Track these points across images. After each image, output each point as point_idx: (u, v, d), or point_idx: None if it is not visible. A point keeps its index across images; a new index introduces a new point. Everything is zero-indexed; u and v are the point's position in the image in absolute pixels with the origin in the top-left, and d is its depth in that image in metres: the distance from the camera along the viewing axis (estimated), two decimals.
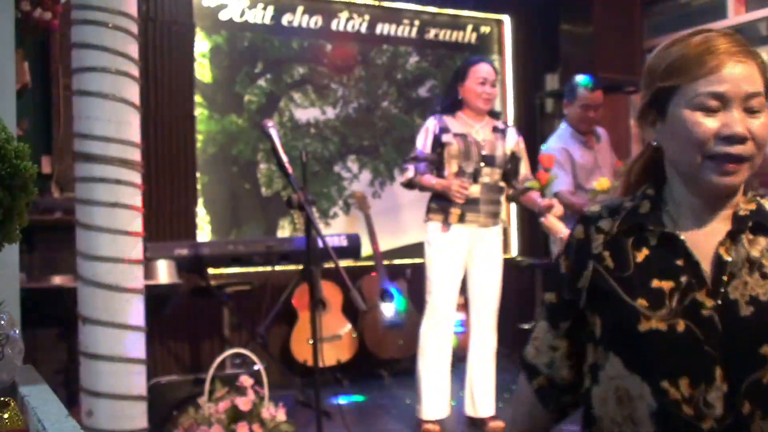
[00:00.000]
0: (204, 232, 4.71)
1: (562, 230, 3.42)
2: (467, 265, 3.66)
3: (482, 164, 3.60)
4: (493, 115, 3.76)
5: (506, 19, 5.76)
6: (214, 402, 2.77)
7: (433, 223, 3.63)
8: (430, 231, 3.63)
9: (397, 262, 5.15)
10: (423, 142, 3.63)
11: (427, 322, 3.61)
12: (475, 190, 3.57)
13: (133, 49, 2.49)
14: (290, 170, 2.82)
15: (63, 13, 3.56)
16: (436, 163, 3.62)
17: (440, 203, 3.61)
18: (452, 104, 3.69)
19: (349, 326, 4.64)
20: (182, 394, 2.97)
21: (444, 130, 3.61)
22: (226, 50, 4.84)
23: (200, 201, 4.67)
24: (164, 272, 3.32)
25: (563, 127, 4.26)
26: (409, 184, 3.69)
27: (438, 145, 3.61)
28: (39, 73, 3.96)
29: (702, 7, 5.70)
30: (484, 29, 5.74)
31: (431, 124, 3.65)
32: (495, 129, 3.70)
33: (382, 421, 3.75)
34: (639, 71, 6.02)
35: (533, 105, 5.74)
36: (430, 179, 3.59)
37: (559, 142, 4.18)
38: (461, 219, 3.59)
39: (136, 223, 2.48)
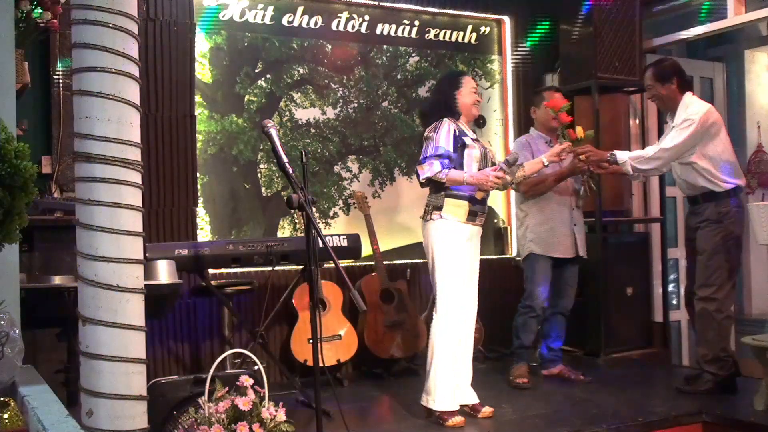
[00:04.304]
0: (204, 232, 4.71)
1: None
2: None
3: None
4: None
5: (506, 19, 5.76)
6: (214, 402, 2.76)
7: (444, 221, 3.60)
8: (444, 228, 3.59)
9: (397, 262, 5.15)
10: (446, 141, 3.59)
11: (442, 320, 3.60)
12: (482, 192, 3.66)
13: (133, 49, 2.49)
14: (290, 170, 2.82)
15: (63, 13, 3.56)
16: (456, 163, 3.62)
17: (456, 200, 3.61)
18: (450, 111, 3.72)
19: (349, 326, 4.64)
20: (182, 394, 2.96)
21: (462, 133, 3.67)
22: (226, 50, 4.84)
23: (200, 201, 4.67)
24: (164, 272, 3.31)
25: (531, 131, 4.70)
26: (431, 180, 3.61)
27: (459, 145, 3.63)
28: (39, 73, 3.96)
29: (702, 7, 5.69)
30: (484, 29, 5.74)
31: (450, 126, 3.64)
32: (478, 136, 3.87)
33: (382, 420, 3.75)
34: (639, 71, 6.07)
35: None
36: (459, 173, 3.57)
37: (524, 137, 4.72)
38: (474, 217, 3.64)
39: (137, 223, 2.48)
